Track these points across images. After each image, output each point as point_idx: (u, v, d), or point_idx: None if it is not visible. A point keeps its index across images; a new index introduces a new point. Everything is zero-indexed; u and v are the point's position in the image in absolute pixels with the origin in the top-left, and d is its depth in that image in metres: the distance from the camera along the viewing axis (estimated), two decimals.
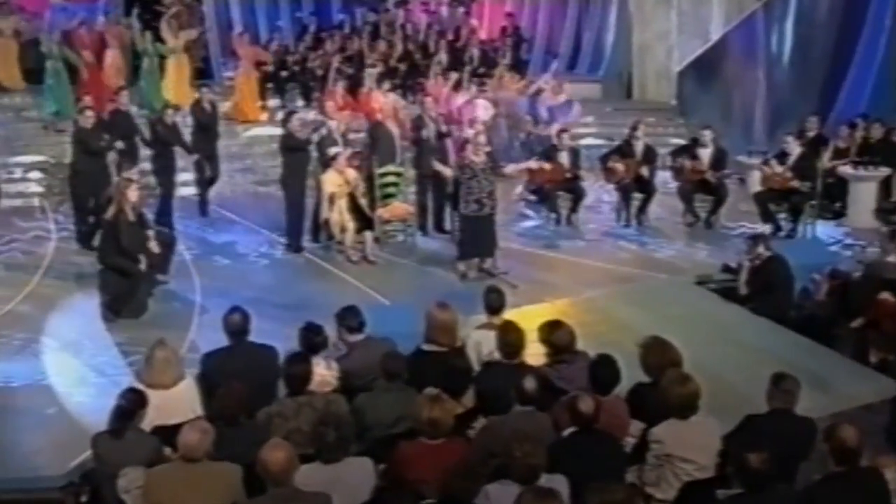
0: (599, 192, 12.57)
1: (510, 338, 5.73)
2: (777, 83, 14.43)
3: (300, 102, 16.55)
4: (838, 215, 11.27)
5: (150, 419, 5.19)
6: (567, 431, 4.83)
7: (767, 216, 10.86)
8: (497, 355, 5.86)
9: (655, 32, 18.41)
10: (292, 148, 10.23)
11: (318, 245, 10.51)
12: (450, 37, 18.90)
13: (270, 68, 16.56)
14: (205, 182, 11.92)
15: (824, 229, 10.92)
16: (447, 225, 10.94)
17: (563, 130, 11.89)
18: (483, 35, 19.41)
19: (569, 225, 11.56)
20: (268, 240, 10.76)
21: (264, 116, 15.23)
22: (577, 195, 11.56)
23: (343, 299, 8.23)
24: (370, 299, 8.55)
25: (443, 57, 17.45)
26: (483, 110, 13.13)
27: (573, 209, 11.62)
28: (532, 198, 12.32)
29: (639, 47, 18.58)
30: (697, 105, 16.26)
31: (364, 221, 9.98)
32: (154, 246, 8.54)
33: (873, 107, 12.47)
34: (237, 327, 5.87)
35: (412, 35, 18.79)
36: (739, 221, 11.49)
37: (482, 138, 9.50)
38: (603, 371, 5.23)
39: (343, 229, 9.90)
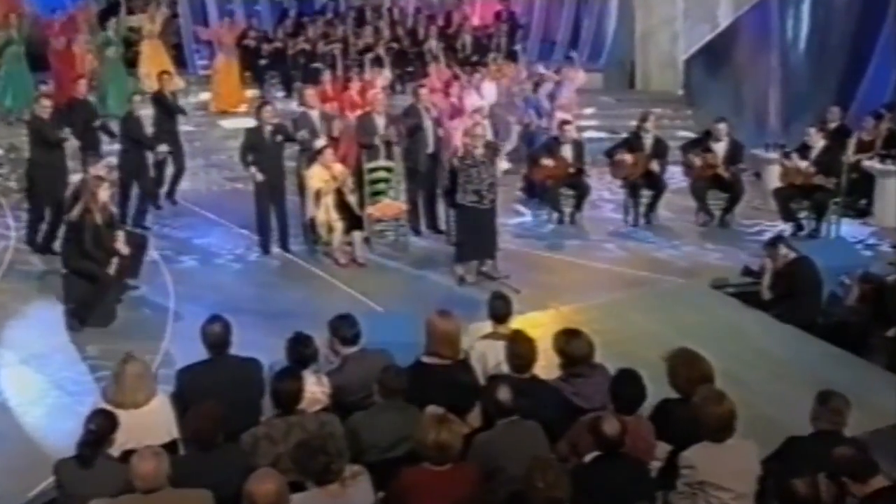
0: (605, 189, 12.36)
1: (521, 349, 5.49)
2: (792, 71, 14.28)
3: (280, 93, 16.34)
4: (863, 213, 11.06)
5: (121, 442, 4.91)
6: (590, 456, 4.57)
7: (788, 214, 10.66)
8: (504, 368, 5.62)
9: (660, 18, 18.28)
10: (255, 144, 9.87)
11: (303, 246, 10.24)
12: (440, 22, 18.72)
13: (251, 43, 16.28)
14: (162, 179, 11.69)
15: (849, 228, 10.70)
16: (442, 224, 10.69)
17: (565, 122, 11.64)
18: (476, 21, 19.21)
19: (572, 224, 11.36)
20: (247, 241, 10.51)
21: (244, 107, 14.93)
22: (580, 192, 11.34)
23: (331, 306, 8.15)
24: (361, 306, 8.31)
25: (433, 44, 17.32)
26: (487, 95, 12.88)
27: (577, 207, 11.41)
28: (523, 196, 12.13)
29: (642, 34, 18.45)
30: (706, 95, 16.13)
31: (353, 220, 9.72)
32: (123, 248, 8.23)
33: None
34: (217, 339, 5.59)
35: (400, 20, 18.59)
36: (756, 220, 11.32)
37: (482, 127, 9.21)
38: (627, 388, 4.98)
39: (330, 229, 9.65)
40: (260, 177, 9.69)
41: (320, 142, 9.83)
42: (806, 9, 14.07)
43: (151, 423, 5.18)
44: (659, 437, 5.06)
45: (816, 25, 13.90)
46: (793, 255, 8.18)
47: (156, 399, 5.32)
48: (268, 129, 9.80)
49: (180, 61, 16.95)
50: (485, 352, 5.95)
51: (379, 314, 8.06)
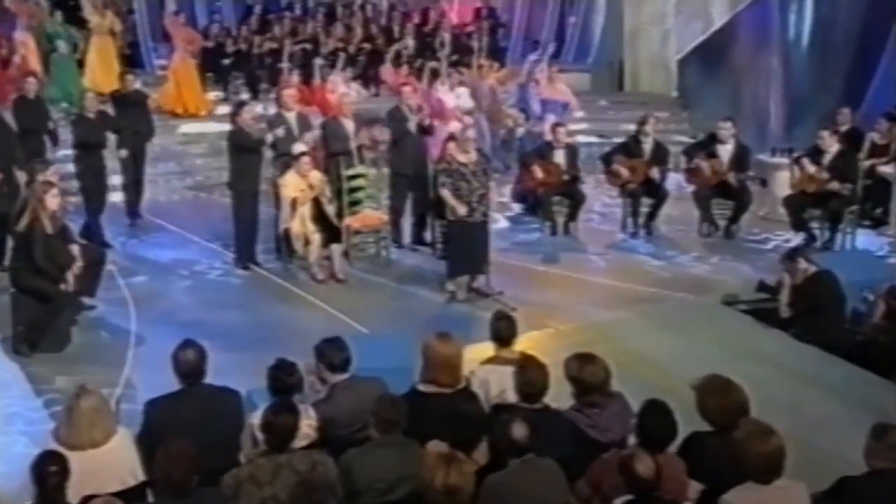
0: (600, 197, 12.18)
1: (532, 377, 5.18)
2: (795, 71, 14.19)
3: (245, 95, 16.01)
4: (879, 222, 10.86)
5: (77, 490, 4.53)
6: (620, 501, 4.25)
7: (800, 224, 10.46)
8: (509, 396, 5.37)
9: (649, 15, 18.20)
10: (243, 146, 9.59)
11: (278, 261, 9.96)
12: (416, 20, 18.54)
13: (208, 44, 15.95)
14: (133, 184, 11.37)
15: (863, 239, 10.56)
16: (428, 236, 10.44)
17: (558, 125, 11.40)
18: (454, 19, 19.01)
19: (566, 235, 11.16)
20: (214, 255, 10.22)
21: (204, 111, 14.60)
22: (575, 200, 11.12)
23: (310, 326, 8.04)
24: (343, 326, 8.02)
25: (409, 42, 17.13)
26: (463, 100, 12.62)
27: (571, 217, 11.19)
28: (516, 206, 11.86)
29: (631, 32, 18.32)
30: (702, 97, 16.04)
31: (331, 232, 9.43)
32: (78, 264, 7.85)
33: None
34: (191, 367, 5.25)
35: (373, 17, 18.42)
36: (763, 231, 11.13)
37: (471, 133, 8.94)
38: (656, 422, 4.68)
39: (306, 242, 9.35)
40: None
41: (298, 147, 9.48)
42: (809, 5, 13.98)
43: (112, 464, 4.82)
44: (689, 474, 4.75)
45: (820, 22, 13.82)
46: (813, 268, 7.94)
47: (116, 436, 4.94)
48: (247, 132, 9.52)
49: (136, 60, 16.58)
50: (487, 378, 5.68)
51: (364, 336, 7.73)
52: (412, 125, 10.36)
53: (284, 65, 15.27)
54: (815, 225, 10.52)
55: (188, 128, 14.23)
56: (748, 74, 15.07)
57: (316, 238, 9.34)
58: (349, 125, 10.23)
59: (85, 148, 10.35)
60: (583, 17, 19.05)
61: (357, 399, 5.20)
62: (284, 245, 9.69)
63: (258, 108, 13.71)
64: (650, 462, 4.21)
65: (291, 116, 10.13)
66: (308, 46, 16.41)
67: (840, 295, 7.91)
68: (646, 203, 11.10)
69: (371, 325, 8.18)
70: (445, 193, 8.85)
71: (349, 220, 9.90)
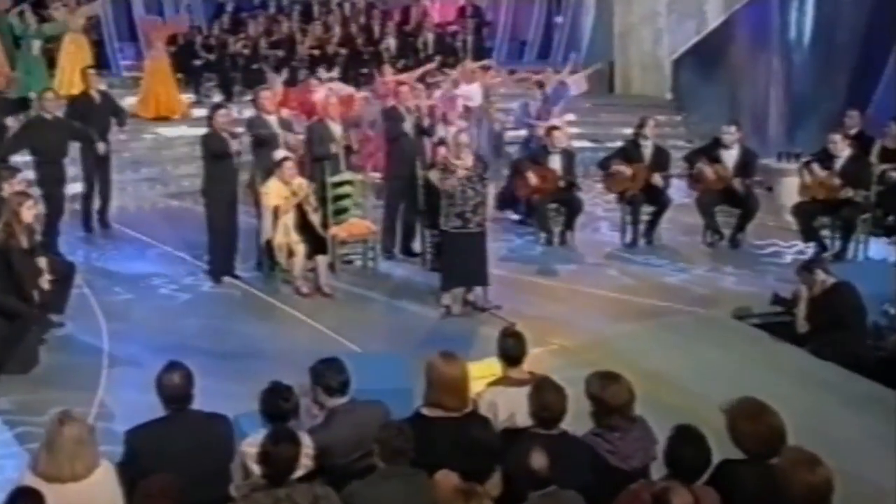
0: (598, 204, 12.04)
1: (549, 399, 4.98)
2: (796, 72, 14.16)
3: (217, 97, 15.79)
4: (890, 231, 10.72)
5: None
6: None
7: (811, 233, 10.30)
8: (519, 420, 5.22)
9: (640, 14, 18.17)
10: (217, 152, 9.37)
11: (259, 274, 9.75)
12: (396, 18, 18.41)
13: (183, 41, 15.85)
14: (91, 194, 11.25)
15: (876, 248, 10.40)
16: (417, 246, 10.29)
17: (553, 128, 11.24)
18: (436, 17, 18.89)
19: (562, 245, 10.99)
20: (190, 267, 9.99)
21: (178, 114, 14.38)
22: (572, 208, 10.95)
23: (297, 344, 7.93)
24: (332, 344, 7.84)
25: (391, 42, 16.98)
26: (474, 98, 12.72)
27: (567, 225, 11.01)
28: (514, 216, 11.70)
29: (621, 32, 18.22)
30: (698, 99, 16.01)
31: (316, 243, 9.21)
32: (47, 278, 7.59)
33: None
34: (177, 391, 5.01)
35: (352, 16, 18.27)
36: (770, 240, 11.00)
37: (465, 137, 8.74)
38: (688, 450, 4.46)
39: (290, 253, 9.11)
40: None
41: (280, 153, 9.25)
42: (810, 2, 13.94)
43: (94, 499, 4.57)
44: None
45: (822, 20, 13.79)
46: (832, 280, 7.79)
47: (99, 469, 4.68)
48: (224, 135, 9.31)
49: (101, 61, 16.28)
50: (495, 401, 5.46)
51: (356, 355, 7.48)
52: (409, 126, 10.17)
53: (266, 67, 15.16)
54: (825, 234, 10.37)
55: (161, 131, 14.01)
56: (747, 76, 15.02)
57: (300, 249, 9.12)
58: (336, 128, 10.01)
59: (42, 153, 10.09)
60: (571, 17, 18.87)
61: (357, 425, 5.01)
62: (266, 257, 9.43)
63: (234, 112, 13.78)
64: (688, 496, 4.02)
65: (272, 120, 9.90)
66: (280, 53, 16.21)
67: (861, 308, 7.77)
68: (646, 211, 10.93)
69: (362, 343, 7.99)
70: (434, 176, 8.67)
71: (335, 230, 9.68)
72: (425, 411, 5.21)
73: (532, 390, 5.06)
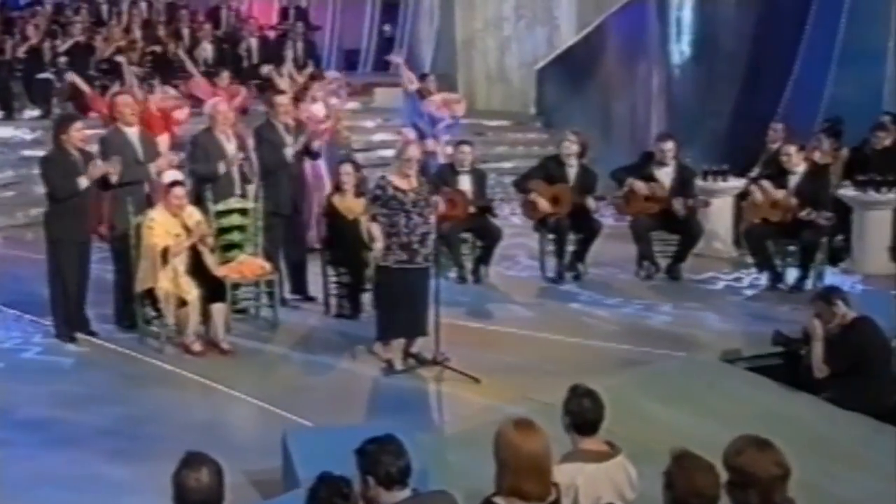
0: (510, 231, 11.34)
1: (699, 482, 4.25)
2: (677, 85, 14.10)
3: None
4: (838, 256, 10.49)
5: None
6: None
7: (764, 260, 10.04)
8: None
9: (484, 21, 17.75)
10: (68, 176, 8.17)
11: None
12: (202, 19, 17.54)
13: None
14: None
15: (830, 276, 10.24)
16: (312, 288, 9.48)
17: (463, 142, 10.60)
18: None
19: (476, 283, 10.31)
20: (39, 327, 8.76)
21: None
22: (489, 238, 10.26)
23: (219, 418, 7.13)
24: (270, 417, 6.95)
25: (207, 47, 15.87)
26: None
27: (483, 259, 10.34)
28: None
29: (463, 41, 17.77)
30: (565, 114, 15.72)
31: (212, 289, 8.20)
32: None
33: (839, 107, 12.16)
34: (207, 495, 4.05)
35: (153, 18, 17.29)
36: (706, 270, 10.65)
37: (412, 151, 7.77)
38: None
39: (180, 303, 7.98)
40: None
41: (169, 175, 8.02)
42: (690, 7, 13.90)
43: None
44: None
45: (706, 28, 13.78)
46: (852, 314, 7.39)
47: None
48: (76, 156, 8.14)
49: None
50: (573, 483, 4.80)
51: (315, 430, 6.47)
52: (290, 152, 9.21)
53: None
54: (777, 261, 10.11)
55: None
56: (622, 88, 14.96)
57: (194, 297, 7.93)
58: (229, 145, 8.92)
59: None
60: (411, 22, 18.19)
61: None
62: (140, 308, 8.18)
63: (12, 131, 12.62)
64: None
65: (132, 133, 8.65)
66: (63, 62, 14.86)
67: (886, 347, 7.49)
68: (571, 239, 10.33)
69: (304, 413, 7.02)
70: (375, 229, 7.65)
71: (224, 271, 8.48)
72: (500, 501, 4.49)
73: (674, 472, 4.31)
